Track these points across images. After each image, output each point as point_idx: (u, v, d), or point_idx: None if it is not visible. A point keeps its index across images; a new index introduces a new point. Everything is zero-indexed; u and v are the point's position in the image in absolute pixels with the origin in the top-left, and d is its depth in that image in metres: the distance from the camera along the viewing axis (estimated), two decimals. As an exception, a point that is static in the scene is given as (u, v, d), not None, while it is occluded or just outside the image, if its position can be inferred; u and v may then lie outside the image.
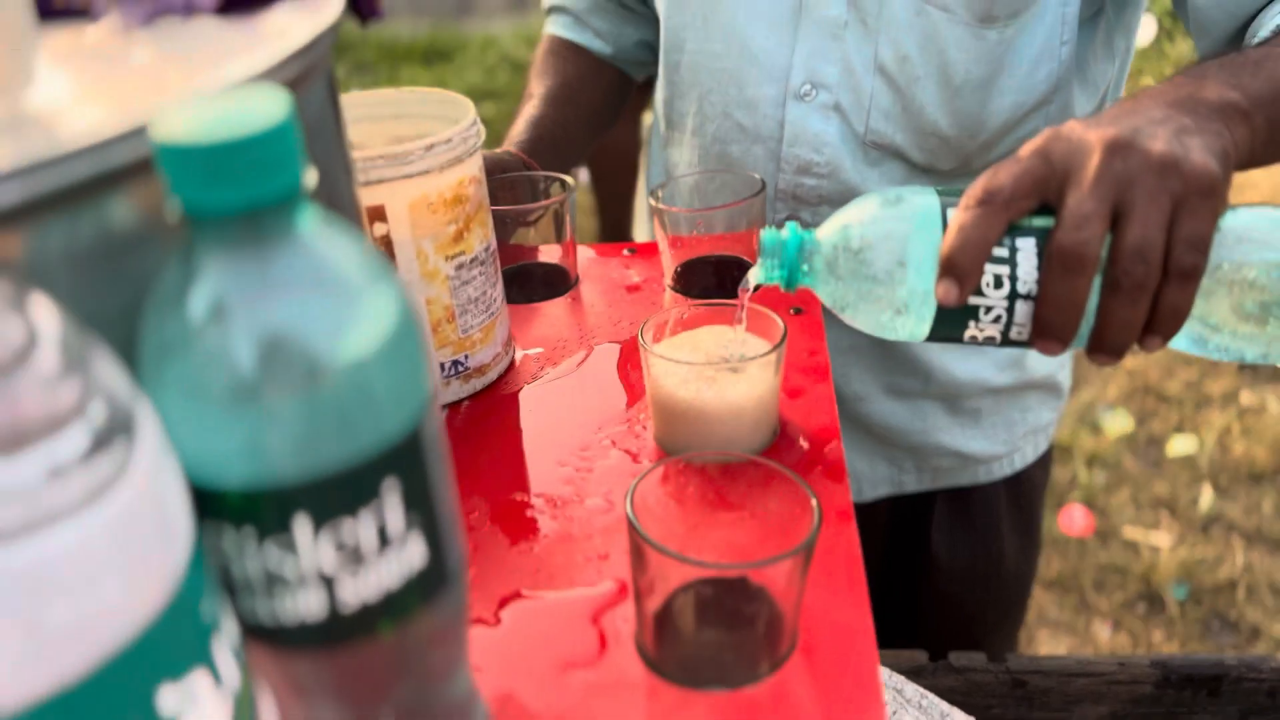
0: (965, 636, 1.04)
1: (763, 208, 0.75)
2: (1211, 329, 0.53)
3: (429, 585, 0.32)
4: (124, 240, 0.31)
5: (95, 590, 0.22)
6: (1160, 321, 0.51)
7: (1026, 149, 0.52)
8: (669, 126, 0.93)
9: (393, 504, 0.30)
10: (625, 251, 0.85)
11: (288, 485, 0.28)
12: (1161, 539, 2.06)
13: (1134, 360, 2.58)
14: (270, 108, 0.27)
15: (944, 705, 0.78)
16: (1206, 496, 2.16)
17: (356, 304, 0.29)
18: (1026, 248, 0.52)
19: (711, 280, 0.76)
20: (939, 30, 0.77)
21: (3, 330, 0.22)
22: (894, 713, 0.72)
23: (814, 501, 0.45)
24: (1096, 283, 0.51)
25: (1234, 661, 0.85)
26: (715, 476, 0.50)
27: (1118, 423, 2.40)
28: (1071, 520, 2.14)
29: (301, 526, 0.29)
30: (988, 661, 0.86)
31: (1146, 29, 3.84)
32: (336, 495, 0.29)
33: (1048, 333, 0.52)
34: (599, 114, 1.01)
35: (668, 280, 0.77)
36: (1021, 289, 0.52)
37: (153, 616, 0.24)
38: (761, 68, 0.82)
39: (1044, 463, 1.06)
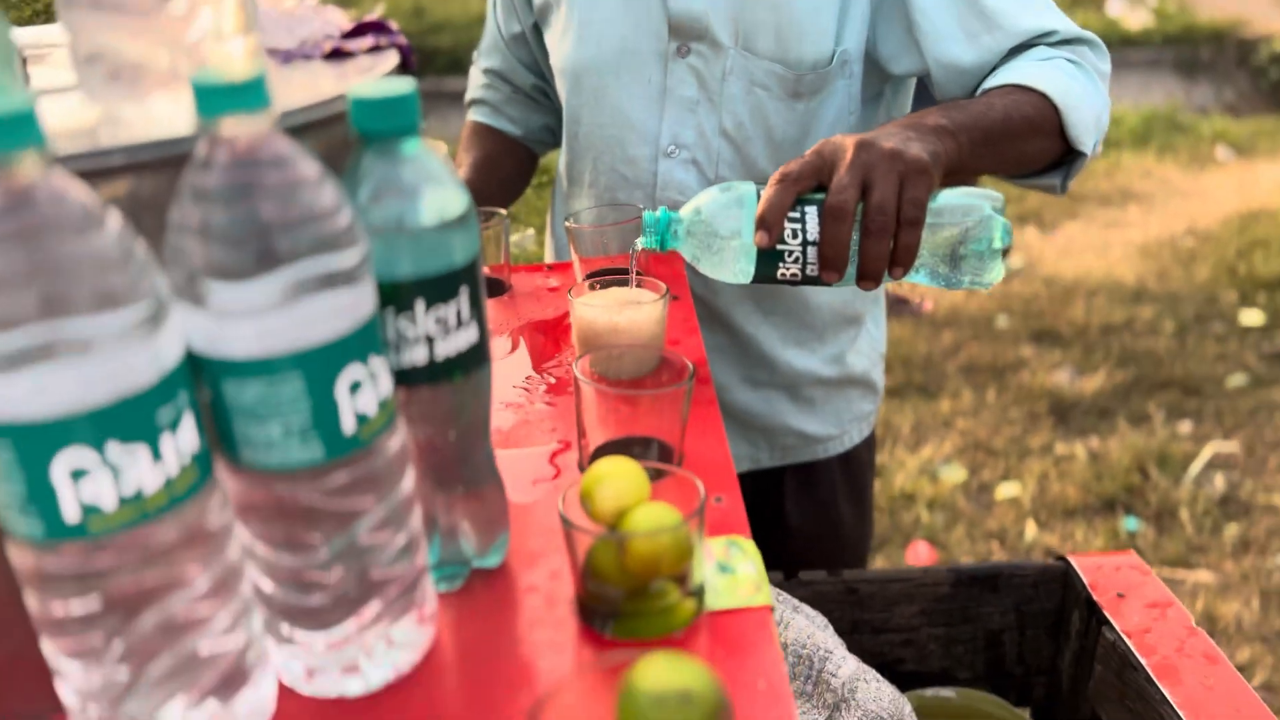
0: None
1: (646, 228, 1.03)
2: (938, 264, 0.83)
3: (478, 355, 0.58)
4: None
5: (353, 293, 0.48)
6: (900, 255, 0.80)
7: (809, 152, 0.82)
8: (570, 183, 1.21)
9: (464, 299, 0.56)
10: (546, 268, 1.13)
11: (413, 281, 0.54)
12: (993, 565, 2.38)
13: (965, 421, 2.95)
14: (404, 85, 0.53)
15: (795, 600, 1.04)
16: (1030, 530, 2.50)
17: (446, 190, 0.55)
18: (810, 211, 0.81)
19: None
20: (763, 104, 1.08)
21: (312, 169, 0.47)
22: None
23: (689, 363, 0.72)
24: (856, 236, 0.81)
25: (1005, 565, 1.14)
26: (624, 367, 0.76)
27: (953, 474, 2.75)
28: (917, 554, 2.45)
29: (419, 306, 0.54)
30: (828, 576, 1.13)
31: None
32: (437, 289, 0.54)
33: (829, 265, 0.81)
34: (514, 180, 1.30)
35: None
36: (810, 237, 0.81)
37: (370, 316, 0.49)
38: (638, 134, 1.12)
39: (869, 445, 1.35)
